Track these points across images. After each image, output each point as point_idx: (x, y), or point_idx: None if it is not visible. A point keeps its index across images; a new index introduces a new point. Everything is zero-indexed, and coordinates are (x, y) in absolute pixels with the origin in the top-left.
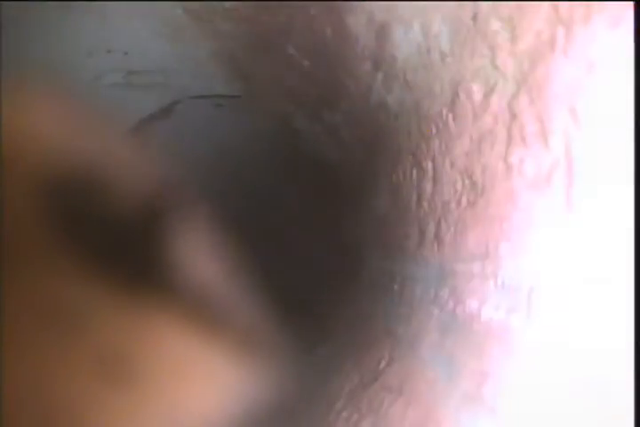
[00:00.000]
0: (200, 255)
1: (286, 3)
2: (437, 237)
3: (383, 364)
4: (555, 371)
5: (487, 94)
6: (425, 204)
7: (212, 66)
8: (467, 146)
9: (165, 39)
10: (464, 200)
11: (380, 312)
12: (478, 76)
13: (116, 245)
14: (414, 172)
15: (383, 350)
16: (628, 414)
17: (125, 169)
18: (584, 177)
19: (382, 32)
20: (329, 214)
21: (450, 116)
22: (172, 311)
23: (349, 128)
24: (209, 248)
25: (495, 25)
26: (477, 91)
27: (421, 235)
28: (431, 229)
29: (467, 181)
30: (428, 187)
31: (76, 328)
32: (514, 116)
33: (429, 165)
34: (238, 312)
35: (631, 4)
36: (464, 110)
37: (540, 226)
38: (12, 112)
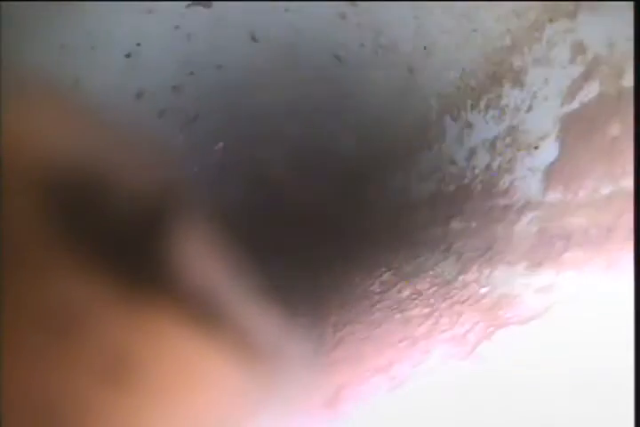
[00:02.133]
0: (201, 256)
1: None
2: None
3: None
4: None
5: None
6: None
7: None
8: None
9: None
10: None
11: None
12: None
13: (116, 246)
14: None
15: None
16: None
17: (126, 169)
18: None
19: None
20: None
21: None
22: (172, 312)
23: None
24: (210, 249)
25: None
26: None
27: None
28: None
29: None
30: None
31: (76, 329)
32: None
33: None
34: (239, 313)
35: (632, 3)
36: None
37: None
38: (12, 111)
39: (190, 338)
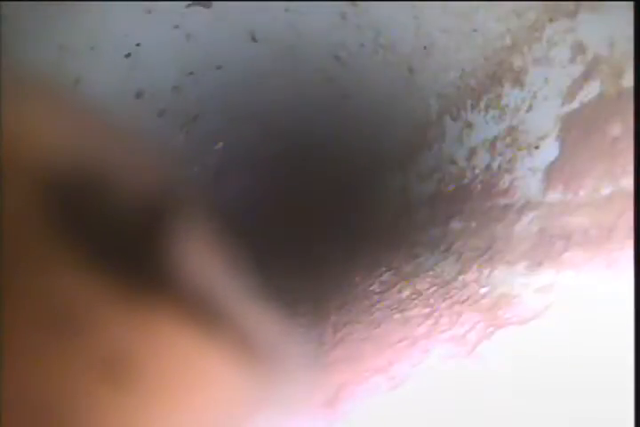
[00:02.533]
0: (200, 255)
1: None
2: None
3: None
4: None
5: None
6: None
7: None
8: None
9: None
10: None
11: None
12: None
13: (116, 246)
14: None
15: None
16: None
17: (126, 168)
18: None
19: None
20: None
21: None
22: (171, 311)
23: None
24: (209, 248)
25: None
26: None
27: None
28: None
29: None
30: None
31: (75, 328)
32: None
33: None
34: (238, 313)
35: (632, 3)
36: None
37: None
38: (11, 111)
39: (189, 337)
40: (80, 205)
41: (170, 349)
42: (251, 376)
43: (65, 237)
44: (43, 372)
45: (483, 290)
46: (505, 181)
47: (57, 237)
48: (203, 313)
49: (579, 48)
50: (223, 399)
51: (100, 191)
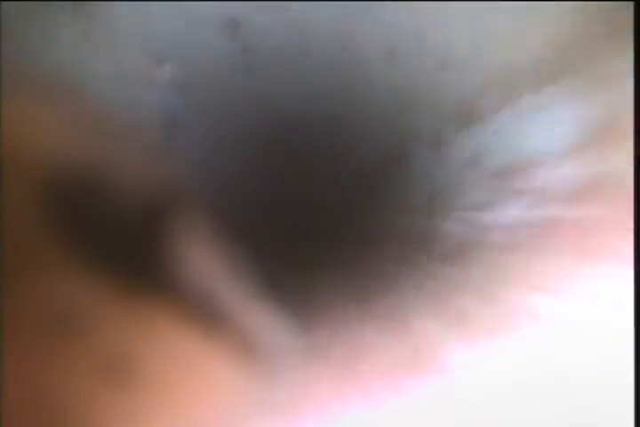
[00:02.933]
0: (201, 255)
1: None
2: None
3: None
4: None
5: None
6: None
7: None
8: None
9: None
10: None
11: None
12: None
13: (116, 246)
14: None
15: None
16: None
17: (125, 166)
18: None
19: None
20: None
21: None
22: (173, 312)
23: None
24: (210, 248)
25: None
26: None
27: None
28: None
29: None
30: None
31: (77, 329)
32: None
33: None
34: (240, 313)
35: (632, 3)
36: None
37: None
38: (11, 110)
39: (191, 338)
40: (80, 204)
41: (171, 350)
42: (252, 377)
43: (65, 237)
44: (43, 373)
45: None
46: None
47: (57, 237)
48: (204, 314)
49: None
50: (225, 400)
51: (101, 190)
